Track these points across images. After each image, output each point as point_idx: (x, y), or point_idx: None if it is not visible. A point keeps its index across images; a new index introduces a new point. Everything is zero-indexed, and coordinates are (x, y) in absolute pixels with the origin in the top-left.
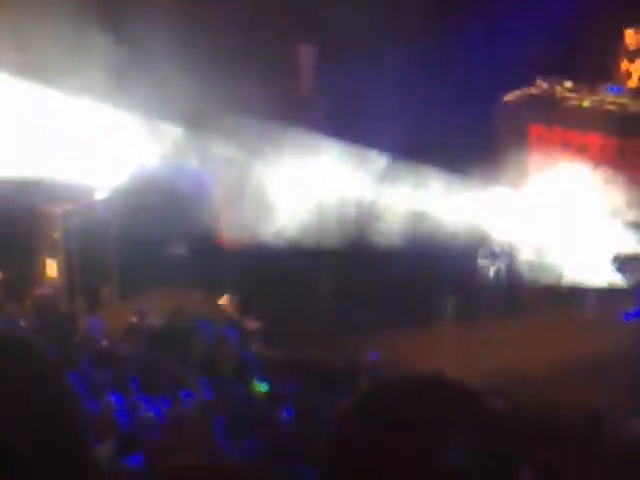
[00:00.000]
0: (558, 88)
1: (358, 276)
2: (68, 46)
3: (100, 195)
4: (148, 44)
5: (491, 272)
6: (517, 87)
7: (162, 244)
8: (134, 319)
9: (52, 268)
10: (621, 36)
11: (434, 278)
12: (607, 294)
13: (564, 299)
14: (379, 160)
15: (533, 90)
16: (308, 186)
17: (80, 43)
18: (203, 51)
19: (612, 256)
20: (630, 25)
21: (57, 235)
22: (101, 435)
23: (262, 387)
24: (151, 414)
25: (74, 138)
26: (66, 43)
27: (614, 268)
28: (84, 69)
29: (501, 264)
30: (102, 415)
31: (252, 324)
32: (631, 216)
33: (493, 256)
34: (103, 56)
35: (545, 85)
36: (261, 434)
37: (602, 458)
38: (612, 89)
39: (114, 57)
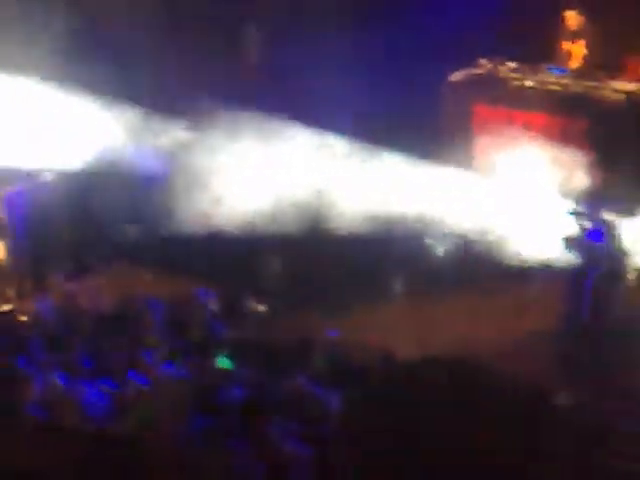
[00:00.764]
0: (501, 68)
1: (311, 257)
2: (12, 23)
3: (49, 176)
4: (101, 24)
5: (441, 251)
6: (461, 67)
7: (113, 225)
8: (84, 301)
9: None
10: (562, 17)
11: (386, 257)
12: (554, 272)
13: (514, 277)
14: (327, 142)
15: (477, 70)
16: (263, 169)
17: (25, 20)
18: (154, 34)
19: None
20: (571, 6)
21: (2, 216)
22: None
23: (226, 363)
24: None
25: (20, 119)
26: (9, 20)
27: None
28: (30, 48)
29: (451, 243)
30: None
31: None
32: (575, 194)
33: (443, 235)
34: (51, 34)
35: (489, 65)
36: (212, 413)
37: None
38: (554, 69)
39: (63, 35)
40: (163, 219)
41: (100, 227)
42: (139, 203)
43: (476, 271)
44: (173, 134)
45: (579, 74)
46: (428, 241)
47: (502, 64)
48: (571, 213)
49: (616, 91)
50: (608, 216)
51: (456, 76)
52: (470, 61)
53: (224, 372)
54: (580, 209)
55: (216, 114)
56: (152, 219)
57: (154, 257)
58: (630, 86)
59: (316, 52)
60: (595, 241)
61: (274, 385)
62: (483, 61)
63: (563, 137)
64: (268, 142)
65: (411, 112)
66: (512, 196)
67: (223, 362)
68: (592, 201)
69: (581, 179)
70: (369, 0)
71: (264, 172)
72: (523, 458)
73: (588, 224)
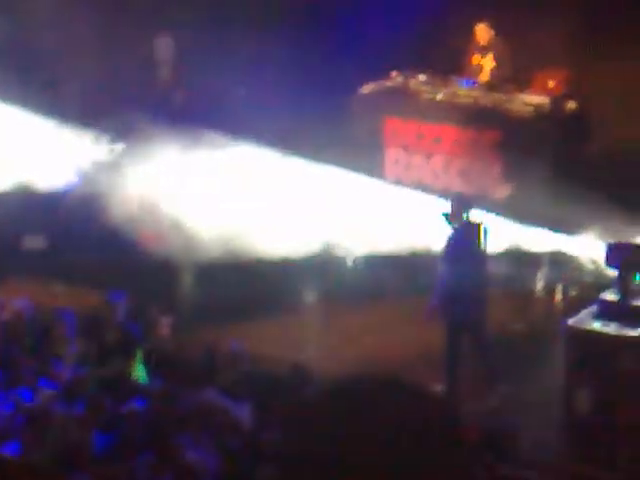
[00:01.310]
0: (412, 81)
1: (222, 272)
2: None
3: None
4: (26, 39)
5: (348, 262)
6: (373, 80)
7: (21, 237)
8: None
9: None
10: (473, 31)
11: (292, 271)
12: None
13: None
14: (239, 150)
15: (388, 83)
16: (178, 182)
17: None
18: (67, 45)
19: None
20: (481, 20)
21: None
22: None
23: (141, 374)
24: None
25: None
26: None
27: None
28: None
29: (356, 255)
30: None
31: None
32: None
33: (348, 247)
34: None
35: (400, 78)
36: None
37: None
38: (465, 82)
39: None
40: (75, 232)
41: (9, 239)
42: (51, 217)
43: (386, 283)
44: (95, 147)
45: (489, 87)
46: (339, 253)
47: (413, 77)
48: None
49: (525, 104)
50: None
51: (367, 88)
52: (381, 74)
53: (131, 383)
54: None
55: (139, 127)
56: (64, 232)
57: (64, 269)
58: (538, 99)
59: (229, 63)
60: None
61: (182, 396)
62: (394, 74)
63: (473, 149)
64: (185, 153)
65: (324, 123)
66: (422, 207)
67: (139, 370)
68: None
69: (491, 190)
70: (283, 12)
71: (179, 184)
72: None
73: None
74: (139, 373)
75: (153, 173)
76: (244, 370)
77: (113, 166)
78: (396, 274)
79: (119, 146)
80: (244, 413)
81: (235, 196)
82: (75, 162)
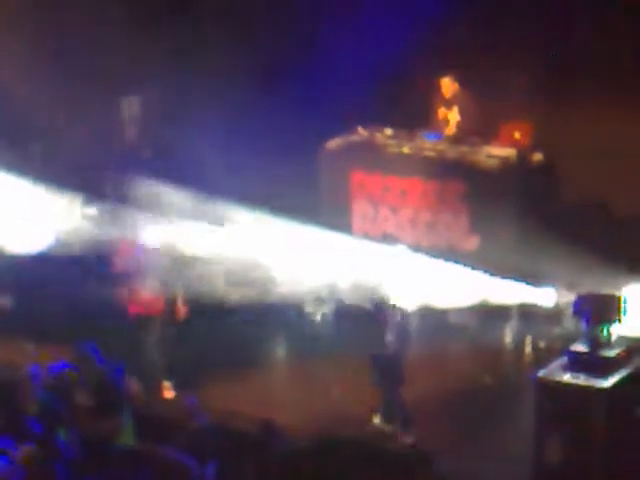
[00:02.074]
0: (378, 135)
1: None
2: None
3: None
4: None
5: (318, 317)
6: (338, 134)
7: None
8: None
9: None
10: (437, 84)
11: (262, 324)
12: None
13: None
14: (205, 208)
15: (354, 137)
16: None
17: None
18: (36, 106)
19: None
20: (445, 74)
21: None
22: None
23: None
24: None
25: None
26: None
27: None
28: None
29: (327, 309)
30: None
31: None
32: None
33: (319, 301)
34: None
35: (366, 132)
36: None
37: None
38: (430, 136)
39: None
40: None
41: None
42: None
43: (355, 336)
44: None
45: (454, 140)
46: (307, 307)
47: (379, 131)
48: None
49: (490, 156)
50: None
51: (333, 143)
52: (347, 128)
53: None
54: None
55: (111, 187)
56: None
57: (33, 327)
58: (503, 151)
59: (195, 119)
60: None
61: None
62: (360, 128)
63: (439, 201)
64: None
65: (290, 178)
66: (389, 259)
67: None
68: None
69: (458, 241)
70: (250, 69)
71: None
72: None
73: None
74: (126, 434)
75: (128, 233)
76: (201, 426)
77: (88, 226)
78: (364, 328)
79: (92, 206)
80: (208, 471)
81: (207, 255)
82: (49, 223)
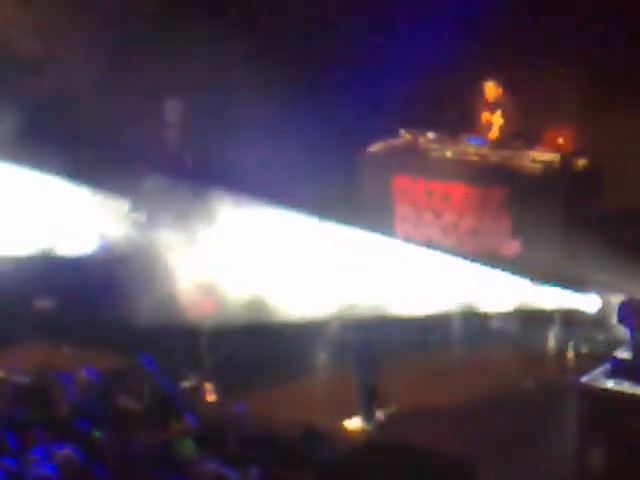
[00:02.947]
0: (421, 139)
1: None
2: None
3: None
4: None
5: (359, 321)
6: (381, 138)
7: (30, 298)
8: (0, 374)
9: None
10: (481, 88)
11: (302, 331)
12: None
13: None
14: (251, 211)
15: (397, 141)
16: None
17: None
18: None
19: None
20: (489, 78)
21: None
22: None
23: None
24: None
25: None
26: None
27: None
28: None
29: (369, 312)
30: None
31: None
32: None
33: (359, 305)
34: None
35: (409, 136)
36: None
37: None
38: (473, 140)
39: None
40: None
41: (19, 300)
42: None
43: (396, 343)
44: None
45: (497, 144)
46: (348, 312)
47: (422, 135)
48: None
49: (533, 161)
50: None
51: (376, 147)
52: (390, 132)
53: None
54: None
55: (154, 191)
56: (70, 292)
57: (72, 330)
58: (547, 156)
59: (238, 125)
60: None
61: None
62: (403, 132)
63: (482, 206)
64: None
65: (334, 183)
66: (431, 265)
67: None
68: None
69: (500, 247)
70: (292, 73)
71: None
72: None
73: None
74: (186, 444)
75: (172, 238)
76: (249, 433)
77: (134, 231)
78: (406, 334)
79: (137, 209)
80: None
81: (249, 258)
82: (94, 227)
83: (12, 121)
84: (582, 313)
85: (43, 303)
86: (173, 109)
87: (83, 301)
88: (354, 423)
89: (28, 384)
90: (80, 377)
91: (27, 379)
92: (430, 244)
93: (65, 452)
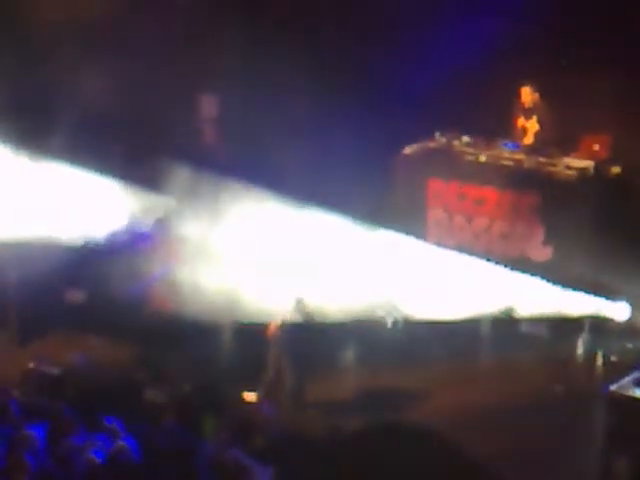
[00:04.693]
0: (456, 143)
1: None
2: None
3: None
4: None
5: (389, 323)
6: (416, 141)
7: (61, 291)
8: (31, 365)
9: None
10: (517, 93)
11: (334, 330)
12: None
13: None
14: (282, 209)
15: (431, 144)
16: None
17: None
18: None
19: None
20: (525, 83)
21: None
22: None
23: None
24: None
25: None
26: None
27: None
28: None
29: (398, 316)
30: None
31: None
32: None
33: (391, 308)
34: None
35: (443, 139)
36: None
37: None
38: (508, 145)
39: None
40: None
41: (50, 292)
42: (88, 270)
43: (427, 346)
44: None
45: (532, 150)
46: (381, 315)
47: (457, 138)
48: None
49: (568, 167)
50: None
51: (410, 149)
52: (425, 135)
53: None
54: None
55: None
56: (101, 285)
57: (102, 323)
58: (582, 163)
59: (275, 120)
60: None
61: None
62: (437, 135)
63: (515, 211)
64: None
65: (367, 184)
66: (463, 269)
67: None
68: None
69: (532, 252)
70: (326, 74)
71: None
72: None
73: None
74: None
75: (202, 228)
76: (274, 434)
77: (161, 221)
78: (437, 337)
79: (167, 201)
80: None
81: (279, 254)
82: (123, 218)
83: (53, 117)
84: (612, 321)
85: (75, 295)
86: (209, 104)
87: (114, 293)
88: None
89: (58, 375)
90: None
91: (57, 370)
92: (461, 248)
93: (119, 444)
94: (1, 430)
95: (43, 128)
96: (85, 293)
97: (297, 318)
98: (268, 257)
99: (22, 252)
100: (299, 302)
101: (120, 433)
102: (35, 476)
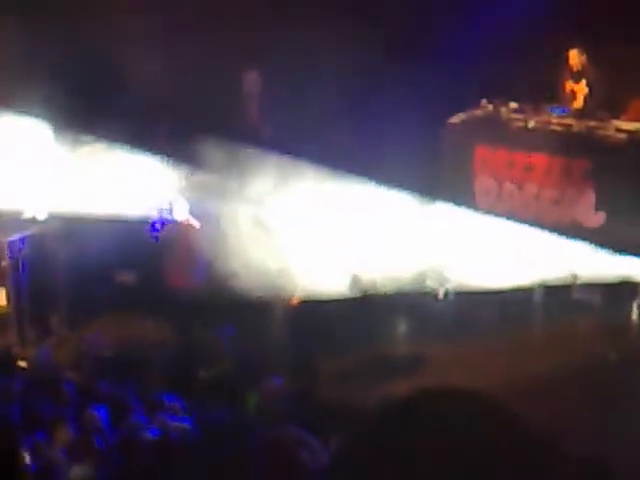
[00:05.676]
0: (503, 109)
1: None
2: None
3: (49, 224)
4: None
5: (440, 294)
6: (463, 109)
7: (112, 272)
8: (83, 347)
9: (1, 296)
10: (565, 57)
11: (387, 302)
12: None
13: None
14: (328, 183)
15: (479, 112)
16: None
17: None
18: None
19: None
20: (574, 46)
21: (5, 264)
22: (79, 456)
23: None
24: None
25: (21, 165)
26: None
27: None
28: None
29: (448, 286)
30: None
31: None
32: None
33: (441, 278)
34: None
35: (490, 107)
36: None
37: None
38: (557, 110)
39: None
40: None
41: (100, 274)
42: (138, 251)
43: (478, 316)
44: (187, 179)
45: (581, 114)
46: (430, 284)
47: (504, 105)
48: None
49: (619, 130)
50: None
51: (457, 117)
52: (472, 103)
53: None
54: None
55: (227, 157)
56: (151, 267)
57: (153, 304)
58: (632, 125)
59: (318, 94)
60: None
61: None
62: (484, 102)
63: (565, 177)
64: (276, 185)
65: (412, 152)
66: (513, 236)
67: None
68: None
69: (584, 218)
70: (371, 40)
71: (272, 216)
72: None
73: None
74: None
75: (247, 205)
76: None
77: (209, 199)
78: (488, 306)
79: (213, 178)
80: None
81: (328, 227)
82: (168, 195)
83: (98, 97)
84: None
85: (125, 276)
86: (252, 81)
87: (163, 273)
88: None
89: (111, 356)
90: None
91: (110, 352)
92: (511, 216)
93: (180, 424)
94: (60, 411)
95: (88, 108)
96: (135, 274)
97: (352, 293)
98: (316, 231)
99: (71, 233)
100: (354, 277)
101: (180, 411)
102: (101, 455)
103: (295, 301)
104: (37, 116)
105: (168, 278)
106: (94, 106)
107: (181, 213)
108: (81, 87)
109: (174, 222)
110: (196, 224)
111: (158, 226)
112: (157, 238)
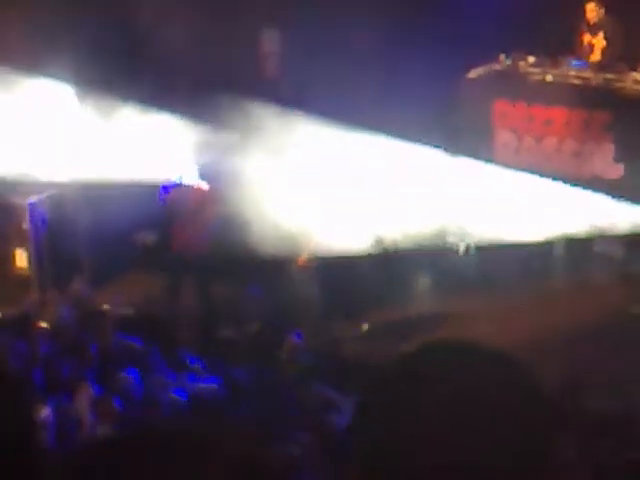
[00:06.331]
0: (521, 63)
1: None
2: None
3: (69, 185)
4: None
5: (461, 249)
6: (480, 63)
7: (132, 232)
8: (105, 307)
9: (22, 258)
10: (582, 10)
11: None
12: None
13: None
14: (349, 137)
15: (496, 66)
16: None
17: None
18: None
19: None
20: None
21: (26, 226)
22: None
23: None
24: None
25: (40, 129)
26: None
27: None
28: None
29: (469, 241)
30: (102, 399)
31: None
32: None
33: (462, 233)
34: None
35: (508, 61)
36: None
37: None
38: (575, 63)
39: (90, 37)
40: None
41: (121, 234)
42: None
43: (499, 270)
44: (200, 136)
45: (600, 67)
46: (451, 239)
47: (522, 59)
48: None
49: (637, 82)
50: None
51: (475, 72)
52: (489, 57)
53: None
54: None
55: (241, 113)
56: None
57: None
58: None
59: (337, 49)
60: None
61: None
62: (502, 56)
63: (585, 130)
64: (292, 138)
65: (431, 107)
66: (533, 190)
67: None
68: None
69: (604, 171)
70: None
71: (293, 175)
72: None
73: None
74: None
75: (267, 165)
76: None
77: (228, 158)
78: (510, 261)
79: (232, 137)
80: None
81: (348, 183)
82: (188, 156)
83: (111, 53)
84: None
85: (145, 237)
86: (271, 38)
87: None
88: None
89: (133, 315)
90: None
91: (131, 311)
92: (531, 169)
93: (206, 385)
94: (83, 372)
95: (107, 69)
96: (156, 235)
97: (373, 250)
98: (336, 189)
99: (92, 195)
100: (375, 235)
101: (203, 372)
102: (122, 419)
103: (313, 260)
104: (58, 79)
105: (174, 242)
106: (113, 68)
107: (190, 176)
108: (98, 48)
109: (181, 185)
110: (204, 187)
111: (165, 190)
112: (165, 201)
